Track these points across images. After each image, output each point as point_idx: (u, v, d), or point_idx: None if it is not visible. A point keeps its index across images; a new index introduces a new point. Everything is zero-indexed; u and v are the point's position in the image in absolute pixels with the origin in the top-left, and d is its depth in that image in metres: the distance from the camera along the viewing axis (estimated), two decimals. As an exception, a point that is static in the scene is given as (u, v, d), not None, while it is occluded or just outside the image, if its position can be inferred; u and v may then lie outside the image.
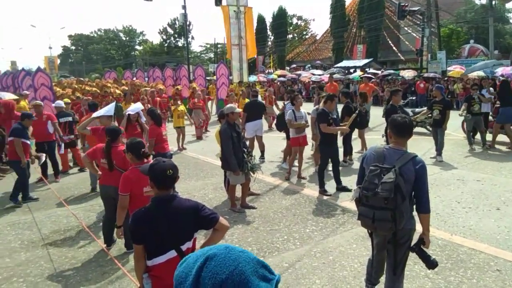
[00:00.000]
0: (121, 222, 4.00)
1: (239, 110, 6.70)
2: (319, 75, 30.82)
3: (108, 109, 6.43)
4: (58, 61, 66.22)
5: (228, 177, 6.45)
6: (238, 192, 6.63)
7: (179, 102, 12.95)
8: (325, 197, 6.76)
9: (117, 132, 5.07)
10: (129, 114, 7.07)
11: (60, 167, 8.93)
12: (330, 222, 5.72)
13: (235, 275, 0.98)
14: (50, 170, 8.59)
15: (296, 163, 8.04)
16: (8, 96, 12.89)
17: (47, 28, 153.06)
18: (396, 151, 3.25)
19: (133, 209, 3.79)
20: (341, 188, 7.06)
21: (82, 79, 23.36)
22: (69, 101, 10.96)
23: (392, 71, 28.24)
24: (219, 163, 6.68)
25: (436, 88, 9.74)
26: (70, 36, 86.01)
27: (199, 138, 13.29)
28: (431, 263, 3.18)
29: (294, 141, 7.84)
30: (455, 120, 11.01)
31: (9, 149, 7.22)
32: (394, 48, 40.80)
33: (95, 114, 6.54)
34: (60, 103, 9.65)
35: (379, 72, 28.31)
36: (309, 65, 43.03)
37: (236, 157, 6.11)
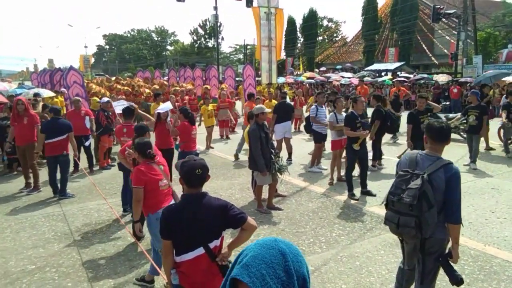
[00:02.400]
0: (138, 216, 3.98)
1: (269, 110, 6.71)
2: (349, 77, 30.42)
3: (165, 106, 7.23)
4: (93, 59, 68.30)
5: (255, 177, 6.46)
6: (265, 193, 6.64)
7: (210, 101, 13.06)
8: (352, 201, 6.67)
9: (144, 129, 5.16)
10: (159, 113, 7.21)
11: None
12: (358, 226, 5.63)
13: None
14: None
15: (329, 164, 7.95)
16: (47, 93, 13.44)
17: (83, 27, 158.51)
18: (430, 157, 3.16)
19: (149, 204, 3.93)
20: (365, 192, 6.96)
21: (120, 78, 24.02)
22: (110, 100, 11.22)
23: (425, 75, 27.52)
24: (246, 163, 6.70)
25: (472, 93, 9.47)
26: (104, 36, 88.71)
27: (223, 137, 13.40)
28: (455, 279, 3.03)
29: (336, 144, 7.74)
30: (491, 127, 10.61)
31: (57, 145, 7.44)
32: (427, 51, 39.80)
33: (157, 110, 7.27)
34: (106, 99, 10.18)
35: (411, 76, 27.66)
36: (340, 67, 42.54)
37: (263, 158, 6.13)
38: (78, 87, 14.60)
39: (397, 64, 34.03)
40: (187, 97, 14.48)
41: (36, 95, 11.93)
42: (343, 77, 31.47)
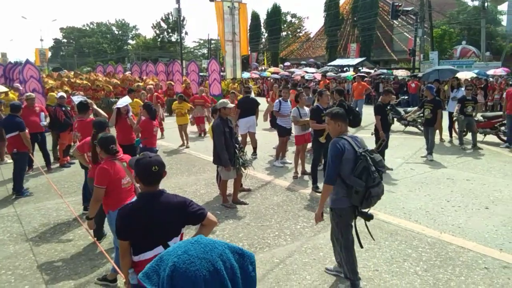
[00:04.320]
0: (93, 214, 3.89)
1: (232, 105, 6.68)
2: (312, 73, 30.86)
3: (124, 101, 7.03)
4: (49, 53, 65.38)
5: (219, 172, 6.44)
6: (230, 188, 6.62)
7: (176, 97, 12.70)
8: (317, 194, 6.78)
9: (103, 124, 5.00)
10: (118, 108, 7.02)
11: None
12: (321, 218, 5.74)
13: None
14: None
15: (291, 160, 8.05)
16: (2, 88, 12.74)
17: (38, 20, 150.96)
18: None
19: (109, 203, 3.84)
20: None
21: (78, 72, 23.12)
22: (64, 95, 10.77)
23: (384, 70, 28.38)
24: (211, 158, 6.66)
25: (427, 88, 9.88)
26: (61, 29, 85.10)
27: (201, 134, 13.00)
28: None
29: (299, 139, 7.84)
30: (445, 120, 11.13)
31: (10, 143, 7.10)
32: (387, 47, 41.02)
33: (117, 105, 7.08)
34: (63, 95, 9.75)
35: (372, 71, 28.43)
36: (304, 62, 43.05)
37: (228, 152, 6.11)
38: (35, 82, 13.99)
39: (359, 60, 34.87)
40: (156, 94, 14.08)
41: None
42: (306, 72, 31.89)
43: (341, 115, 3.82)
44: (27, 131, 7.17)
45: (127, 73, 24.85)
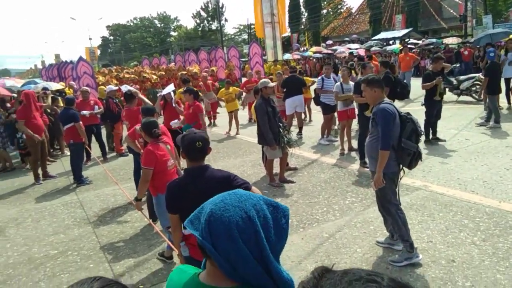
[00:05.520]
0: (141, 195, 4.11)
1: (273, 84, 6.65)
2: (356, 49, 29.89)
3: (168, 88, 7.40)
4: (99, 51, 68.34)
5: (265, 152, 6.48)
6: (276, 168, 6.66)
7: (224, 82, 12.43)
8: (365, 169, 6.64)
9: (150, 110, 5.20)
10: (164, 95, 7.26)
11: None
12: (371, 193, 5.62)
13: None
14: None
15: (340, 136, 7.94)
16: (55, 86, 13.59)
17: (86, 20, 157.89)
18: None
19: (156, 185, 4.01)
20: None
21: (125, 67, 24.04)
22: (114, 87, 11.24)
23: (433, 40, 26.87)
24: (256, 141, 6.72)
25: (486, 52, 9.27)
26: (108, 27, 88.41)
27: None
28: None
29: (342, 114, 7.73)
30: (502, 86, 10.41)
31: (67, 134, 7.60)
32: (435, 15, 38.73)
33: (162, 92, 7.48)
34: (112, 87, 10.29)
35: (420, 42, 27.03)
36: (347, 39, 41.77)
37: (272, 132, 6.13)
38: (89, 78, 14.76)
39: (405, 31, 33.25)
40: (210, 81, 14.18)
41: (45, 89, 12.05)
42: (350, 48, 30.93)
43: (376, 81, 3.76)
44: (81, 122, 7.60)
45: (171, 64, 25.47)
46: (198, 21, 73.91)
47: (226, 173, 2.73)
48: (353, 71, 9.92)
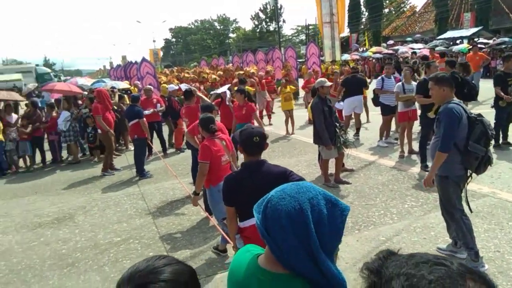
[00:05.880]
0: (199, 189, 4.26)
1: (329, 83, 6.56)
2: (419, 49, 28.56)
3: (223, 88, 7.70)
4: (161, 53, 71.43)
5: (320, 152, 6.41)
6: (332, 168, 6.56)
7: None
8: (426, 173, 6.33)
9: (209, 107, 5.35)
10: (220, 94, 7.49)
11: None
12: (432, 198, 5.36)
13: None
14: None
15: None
16: (122, 84, 14.42)
17: (151, 23, 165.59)
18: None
19: (210, 178, 4.14)
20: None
21: (185, 67, 24.96)
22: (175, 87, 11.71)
23: (506, 39, 24.96)
24: (311, 140, 6.67)
25: None
26: (170, 29, 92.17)
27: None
28: None
29: (403, 116, 7.44)
30: None
31: (132, 130, 8.05)
32: (509, 13, 35.95)
33: (218, 91, 7.81)
34: (174, 87, 10.82)
35: (491, 41, 25.24)
36: (410, 39, 40.07)
37: (328, 131, 6.05)
38: (151, 78, 15.48)
39: (474, 30, 31.17)
40: (264, 81, 14.33)
41: (113, 87, 12.84)
42: (412, 48, 29.64)
43: (446, 79, 3.58)
44: (145, 119, 7.99)
45: (229, 64, 25.99)
46: (256, 22, 74.72)
47: (282, 168, 2.75)
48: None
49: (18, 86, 26.57)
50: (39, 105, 11.18)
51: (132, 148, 9.00)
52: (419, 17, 48.83)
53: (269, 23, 73.38)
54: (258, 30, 74.41)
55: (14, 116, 9.79)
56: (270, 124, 12.54)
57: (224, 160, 4.20)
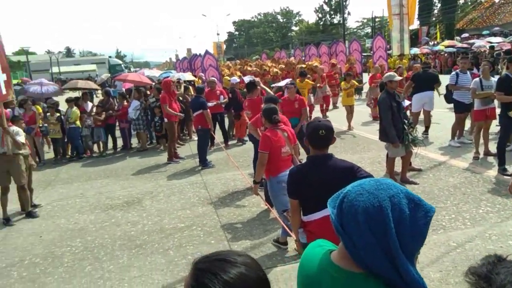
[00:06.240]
0: (258, 178, 4.32)
1: (399, 78, 6.27)
2: (497, 43, 26.38)
3: (285, 81, 7.79)
4: (224, 46, 72.78)
5: (386, 149, 6.16)
6: (398, 167, 6.29)
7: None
8: (505, 177, 5.86)
9: (273, 99, 5.35)
10: (281, 87, 7.45)
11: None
12: (511, 204, 4.95)
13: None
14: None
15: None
16: (187, 76, 14.90)
17: (215, 16, 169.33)
18: None
19: (271, 168, 4.17)
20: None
21: (248, 60, 25.33)
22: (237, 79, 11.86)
23: None
24: (375, 137, 6.44)
25: None
26: (234, 22, 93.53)
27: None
28: None
29: (479, 114, 6.91)
30: None
31: (196, 120, 8.31)
32: None
33: (278, 84, 7.93)
34: (236, 79, 11.04)
35: None
36: (487, 32, 37.18)
37: (395, 128, 5.78)
38: (213, 70, 15.82)
39: None
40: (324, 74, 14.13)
41: (179, 79, 13.30)
42: (490, 42, 27.45)
43: None
44: (209, 110, 8.18)
45: (291, 58, 25.87)
46: (320, 15, 73.45)
47: (349, 163, 2.68)
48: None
49: (93, 76, 28.49)
50: (112, 94, 11.90)
51: (196, 138, 9.27)
52: (499, 8, 45.09)
53: (333, 16, 71.78)
54: (321, 23, 73.13)
55: (90, 104, 10.51)
56: (326, 118, 12.33)
57: (284, 151, 4.20)
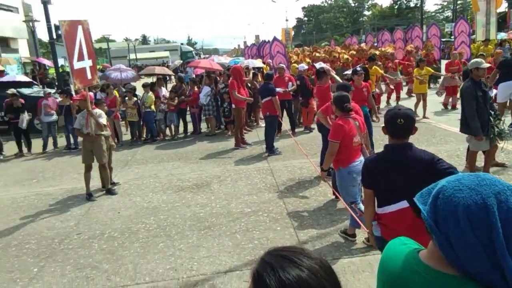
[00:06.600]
0: (327, 166, 4.27)
1: (487, 65, 5.74)
2: None
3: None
4: (293, 32, 72.07)
5: (468, 142, 5.72)
6: (479, 161, 5.82)
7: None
8: None
9: (346, 87, 5.17)
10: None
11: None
12: None
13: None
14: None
15: None
16: (256, 63, 15.00)
17: (284, 2, 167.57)
18: None
19: (341, 158, 4.07)
20: None
21: (317, 46, 24.86)
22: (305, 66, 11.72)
23: None
24: (453, 129, 5.99)
25: None
26: (303, 8, 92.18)
27: (446, 106, 11.29)
28: None
29: None
30: None
31: (264, 107, 8.36)
32: None
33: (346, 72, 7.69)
34: (304, 66, 10.78)
35: None
36: None
37: (479, 120, 5.33)
38: (281, 57, 15.73)
39: None
40: (396, 61, 13.52)
41: (247, 65, 13.42)
42: None
43: None
44: (277, 97, 8.16)
45: (362, 44, 24.91)
46: (395, -2, 69.81)
47: (430, 154, 2.53)
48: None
49: (166, 62, 29.77)
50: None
51: (263, 125, 9.32)
52: None
53: (409, -1, 67.85)
54: (396, 7, 69.49)
55: (163, 90, 11.00)
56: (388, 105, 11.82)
57: (355, 141, 4.10)
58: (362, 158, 4.20)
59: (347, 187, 4.22)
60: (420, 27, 21.63)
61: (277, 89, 8.86)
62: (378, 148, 6.86)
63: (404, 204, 2.52)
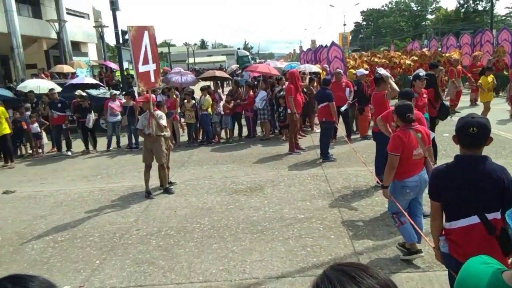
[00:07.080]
0: (387, 182, 3.92)
1: None
2: None
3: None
4: (350, 37, 70.72)
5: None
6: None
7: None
8: None
9: (408, 94, 4.93)
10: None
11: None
12: None
13: None
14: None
15: None
16: (314, 68, 14.90)
17: (343, 6, 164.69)
18: None
19: (398, 171, 3.83)
20: None
21: (375, 51, 24.21)
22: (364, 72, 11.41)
23: None
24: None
25: None
26: (362, 12, 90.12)
27: None
28: None
29: None
30: None
31: (321, 112, 8.27)
32: None
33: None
34: (363, 71, 10.54)
35: None
36: None
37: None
38: (339, 62, 15.48)
39: None
40: (459, 67, 12.88)
41: (303, 70, 13.35)
42: None
43: None
44: (334, 103, 8.03)
45: (424, 49, 23.84)
46: (461, 1, 66.17)
47: (501, 167, 2.34)
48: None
49: (223, 66, 30.44)
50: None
51: (318, 130, 9.20)
52: None
53: (477, 2, 64.05)
54: (462, 10, 65.86)
55: (220, 93, 11.23)
56: (455, 113, 11.07)
57: (415, 154, 3.84)
58: (423, 172, 3.98)
59: (397, 199, 4.01)
60: (490, 31, 20.29)
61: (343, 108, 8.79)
62: (441, 159, 6.52)
63: (475, 219, 2.37)
